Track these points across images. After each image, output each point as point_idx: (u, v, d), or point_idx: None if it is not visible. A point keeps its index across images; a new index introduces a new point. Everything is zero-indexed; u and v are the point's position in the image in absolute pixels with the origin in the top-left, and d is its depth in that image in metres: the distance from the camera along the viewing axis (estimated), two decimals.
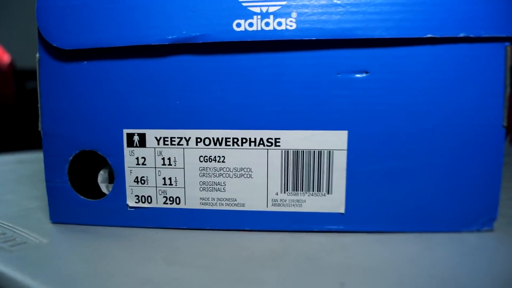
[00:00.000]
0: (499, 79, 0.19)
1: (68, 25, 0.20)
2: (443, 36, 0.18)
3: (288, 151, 0.20)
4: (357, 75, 0.19)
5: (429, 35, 0.18)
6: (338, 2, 0.18)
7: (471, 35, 0.18)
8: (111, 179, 0.22)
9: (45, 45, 0.20)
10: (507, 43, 0.19)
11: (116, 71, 0.20)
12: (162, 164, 0.20)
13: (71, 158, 0.21)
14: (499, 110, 0.19)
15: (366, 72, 0.19)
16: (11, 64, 1.17)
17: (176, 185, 0.20)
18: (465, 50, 0.19)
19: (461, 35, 0.18)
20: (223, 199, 0.20)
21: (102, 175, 0.22)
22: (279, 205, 0.20)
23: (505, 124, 0.19)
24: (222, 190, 0.20)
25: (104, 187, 0.22)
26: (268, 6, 0.19)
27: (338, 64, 0.19)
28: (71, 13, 0.19)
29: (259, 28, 0.19)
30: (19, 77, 1.30)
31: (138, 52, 0.20)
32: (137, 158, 0.21)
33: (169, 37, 0.19)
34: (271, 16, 0.19)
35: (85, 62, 0.20)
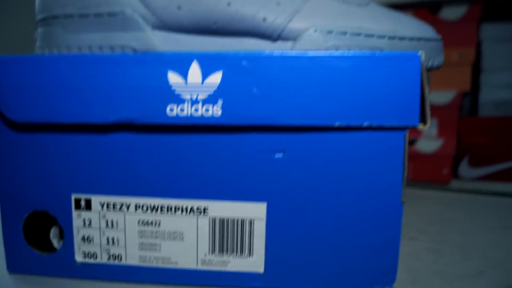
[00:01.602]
0: (399, 161, 0.22)
1: (21, 101, 0.23)
2: (349, 125, 0.22)
3: (215, 218, 0.23)
4: (275, 155, 0.23)
5: (337, 124, 0.22)
6: (259, 93, 0.22)
7: (374, 125, 0.22)
8: (61, 235, 0.25)
9: (1, 114, 0.24)
10: (406, 131, 0.22)
11: (64, 143, 0.23)
12: (106, 226, 0.24)
13: (25, 217, 0.24)
14: (399, 188, 0.23)
15: (283, 152, 0.23)
16: None
17: (118, 245, 0.24)
18: (370, 136, 0.22)
19: (365, 124, 0.22)
20: (159, 258, 0.24)
21: (53, 231, 0.25)
22: (207, 264, 0.24)
23: (403, 200, 0.23)
24: (158, 250, 0.24)
25: (55, 242, 0.25)
26: (198, 93, 0.22)
27: (258, 145, 0.23)
28: (23, 90, 0.23)
29: (189, 113, 0.22)
30: None
31: (84, 128, 0.23)
32: (84, 220, 0.24)
33: (111, 118, 0.22)
34: (200, 103, 0.22)
35: (37, 133, 0.24)
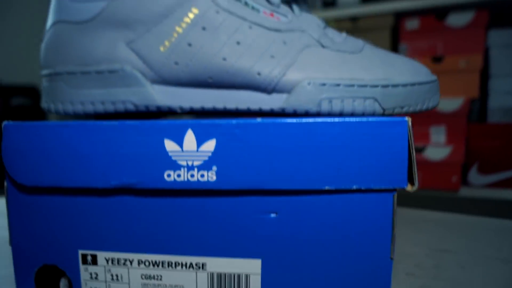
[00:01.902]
0: (388, 221, 0.24)
1: (29, 166, 0.25)
2: (339, 188, 0.23)
3: (213, 273, 0.25)
4: (268, 215, 0.24)
5: (326, 187, 0.23)
6: (251, 159, 0.23)
7: (363, 187, 0.23)
8: (70, 286, 0.27)
9: (11, 178, 0.25)
10: (394, 192, 0.23)
11: (70, 204, 0.25)
12: (111, 279, 0.26)
13: (36, 270, 0.26)
14: (388, 246, 0.24)
15: (276, 213, 0.24)
16: None
17: None
18: (359, 198, 0.23)
19: (354, 187, 0.23)
20: None
21: (63, 282, 0.27)
22: None
23: (392, 256, 0.24)
24: None
25: None
26: (193, 160, 0.23)
27: (252, 207, 0.24)
28: (31, 156, 0.24)
29: (185, 179, 0.23)
30: (3, 94, 1.35)
31: (87, 191, 0.25)
32: (91, 273, 0.26)
33: (112, 182, 0.24)
34: (196, 169, 0.23)
35: (45, 196, 0.25)
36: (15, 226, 0.26)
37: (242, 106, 0.29)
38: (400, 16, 0.79)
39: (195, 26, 0.28)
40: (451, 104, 0.70)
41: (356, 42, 0.30)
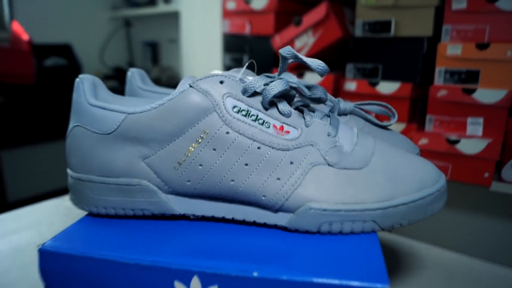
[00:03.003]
0: None
1: (63, 285, 0.30)
2: None
3: None
4: None
5: None
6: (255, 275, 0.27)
7: None
8: None
9: None
10: None
11: None
12: None
13: None
14: None
15: None
16: (30, 43, 1.23)
17: None
18: None
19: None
20: None
21: None
22: None
23: None
24: None
25: None
26: None
27: None
28: (64, 278, 0.30)
29: None
30: (37, 54, 1.36)
31: None
32: None
33: None
34: None
35: None
36: None
37: (249, 219, 0.32)
38: None
39: (205, 146, 0.30)
40: (493, 95, 0.68)
41: (365, 150, 0.32)
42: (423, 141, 0.75)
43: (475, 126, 0.70)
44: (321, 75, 0.31)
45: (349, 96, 0.79)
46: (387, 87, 0.78)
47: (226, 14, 0.97)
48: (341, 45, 0.81)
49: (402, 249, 0.50)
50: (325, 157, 0.31)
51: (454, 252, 0.49)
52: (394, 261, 0.47)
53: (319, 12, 0.80)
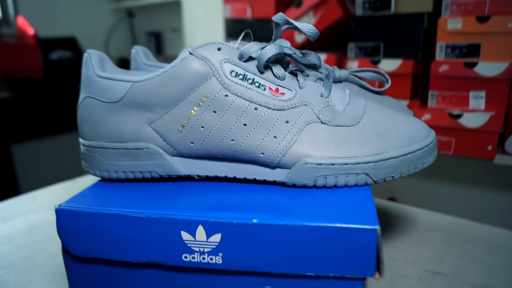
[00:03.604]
0: None
1: (79, 241, 0.33)
2: (318, 274, 0.30)
3: None
4: (264, 287, 0.32)
5: (308, 273, 0.30)
6: (249, 249, 0.30)
7: (338, 275, 0.30)
8: None
9: (66, 249, 0.34)
10: (364, 280, 0.30)
11: (110, 272, 0.34)
12: None
13: None
14: None
15: (270, 286, 0.32)
16: (35, 37, 1.26)
17: None
18: (335, 284, 0.30)
19: (331, 274, 0.30)
20: None
21: None
22: None
23: None
24: None
25: None
26: (204, 247, 0.31)
27: (251, 282, 0.32)
28: (81, 234, 0.33)
29: (198, 260, 0.31)
30: (43, 47, 1.39)
31: (125, 264, 0.33)
32: None
33: (143, 259, 0.32)
34: (206, 254, 0.31)
35: (92, 264, 0.34)
36: (72, 282, 0.35)
37: (250, 176, 0.35)
38: None
39: (206, 109, 0.33)
40: (494, 68, 0.69)
41: (357, 109, 0.35)
42: (426, 116, 0.77)
43: (477, 99, 0.72)
44: (312, 38, 0.34)
45: None
46: (389, 65, 0.80)
47: None
48: (343, 25, 0.83)
49: (403, 215, 0.52)
50: (318, 115, 0.34)
51: (454, 217, 0.51)
52: (393, 224, 0.50)
53: None
